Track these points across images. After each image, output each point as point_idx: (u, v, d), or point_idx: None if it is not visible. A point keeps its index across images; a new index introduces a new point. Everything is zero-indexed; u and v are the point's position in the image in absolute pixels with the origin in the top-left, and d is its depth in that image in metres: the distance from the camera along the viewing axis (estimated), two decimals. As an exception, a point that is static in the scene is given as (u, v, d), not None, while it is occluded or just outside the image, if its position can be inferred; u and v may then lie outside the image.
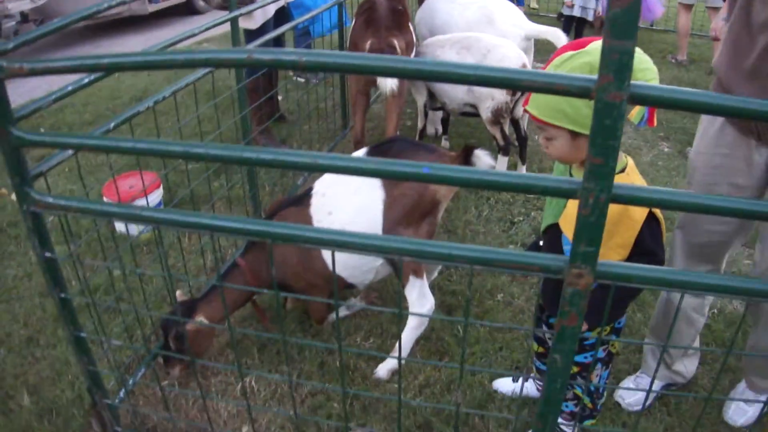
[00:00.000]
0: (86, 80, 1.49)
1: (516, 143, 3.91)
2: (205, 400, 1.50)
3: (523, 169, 3.91)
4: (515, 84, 0.88)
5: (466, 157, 2.25)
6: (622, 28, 0.81)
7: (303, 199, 2.34)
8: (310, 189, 2.36)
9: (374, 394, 1.91)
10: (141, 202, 2.86)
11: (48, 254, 1.38)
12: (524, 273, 0.99)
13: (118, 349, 2.22)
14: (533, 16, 7.17)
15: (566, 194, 0.93)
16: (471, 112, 3.85)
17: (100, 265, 2.63)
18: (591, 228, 0.91)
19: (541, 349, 2.00)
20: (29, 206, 1.28)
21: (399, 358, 1.20)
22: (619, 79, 0.83)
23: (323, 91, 4.19)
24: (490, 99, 3.60)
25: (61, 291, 1.46)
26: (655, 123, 1.35)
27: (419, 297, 2.21)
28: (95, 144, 1.10)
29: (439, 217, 2.34)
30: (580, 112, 1.31)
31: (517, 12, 4.37)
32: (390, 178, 0.94)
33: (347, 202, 2.21)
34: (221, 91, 2.50)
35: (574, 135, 1.37)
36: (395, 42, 3.32)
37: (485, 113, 3.65)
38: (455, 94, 3.74)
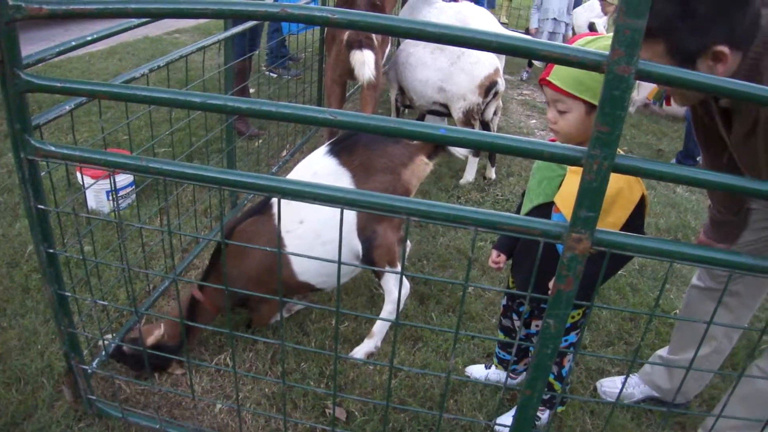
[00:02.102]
0: (89, 37, 1.48)
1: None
2: (189, 365, 1.50)
3: (492, 171, 4.00)
4: (534, 54, 0.94)
5: (436, 146, 2.29)
6: (635, 7, 0.87)
7: (263, 208, 2.19)
8: (269, 198, 2.15)
9: (365, 360, 1.92)
10: (116, 178, 2.81)
11: (40, 206, 1.37)
12: (528, 237, 1.05)
13: (94, 319, 2.18)
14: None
15: (572, 161, 0.99)
16: (440, 111, 3.88)
17: (93, 218, 2.59)
18: (593, 194, 0.98)
19: (507, 339, 2.06)
20: (27, 155, 1.27)
21: (396, 320, 1.23)
22: (629, 54, 0.90)
23: (298, 87, 4.21)
24: (462, 100, 3.66)
25: (49, 246, 1.44)
26: (671, 104, 1.44)
27: (396, 284, 2.25)
28: (110, 91, 1.10)
29: None
30: (601, 87, 1.35)
31: (492, 19, 4.50)
32: (407, 138, 0.99)
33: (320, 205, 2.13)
34: (204, 74, 2.49)
35: (590, 110, 1.44)
36: (372, 33, 3.36)
37: (457, 113, 3.71)
38: (425, 92, 3.75)
